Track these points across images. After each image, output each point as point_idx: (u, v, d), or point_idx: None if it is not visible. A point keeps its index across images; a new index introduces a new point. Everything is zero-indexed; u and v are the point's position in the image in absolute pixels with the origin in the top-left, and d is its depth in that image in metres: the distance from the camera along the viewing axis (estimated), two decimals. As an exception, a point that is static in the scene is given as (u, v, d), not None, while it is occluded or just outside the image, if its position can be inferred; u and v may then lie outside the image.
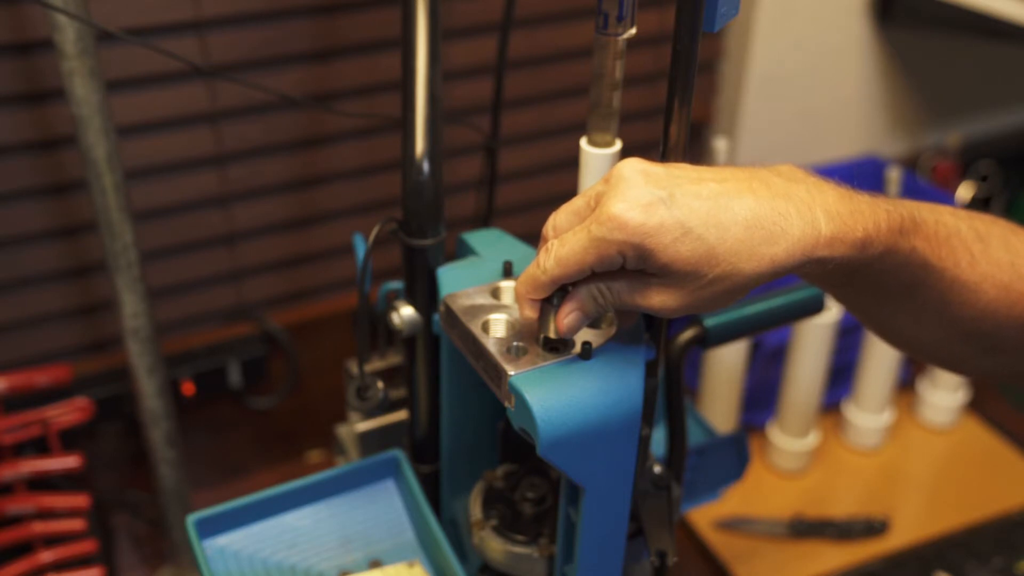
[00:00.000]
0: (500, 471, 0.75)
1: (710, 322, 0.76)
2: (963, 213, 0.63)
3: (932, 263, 0.58)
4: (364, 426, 0.82)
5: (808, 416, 1.18)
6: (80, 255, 1.03)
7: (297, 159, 1.10)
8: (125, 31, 0.91)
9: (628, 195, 0.51)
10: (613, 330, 0.61)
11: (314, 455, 1.23)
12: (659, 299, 0.54)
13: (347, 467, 0.76)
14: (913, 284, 0.59)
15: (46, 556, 0.92)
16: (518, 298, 0.57)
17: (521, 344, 0.59)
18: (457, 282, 0.68)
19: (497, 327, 0.62)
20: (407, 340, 0.74)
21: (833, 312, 1.10)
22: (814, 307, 0.80)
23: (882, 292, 0.61)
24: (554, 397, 0.56)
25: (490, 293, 0.65)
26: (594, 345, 0.59)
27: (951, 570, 1.09)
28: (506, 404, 0.58)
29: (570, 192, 0.61)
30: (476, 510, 0.73)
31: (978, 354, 0.66)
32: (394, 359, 0.85)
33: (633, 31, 0.62)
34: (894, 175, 1.31)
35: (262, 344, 1.13)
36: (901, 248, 0.56)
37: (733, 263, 0.51)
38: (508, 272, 0.68)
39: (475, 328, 0.62)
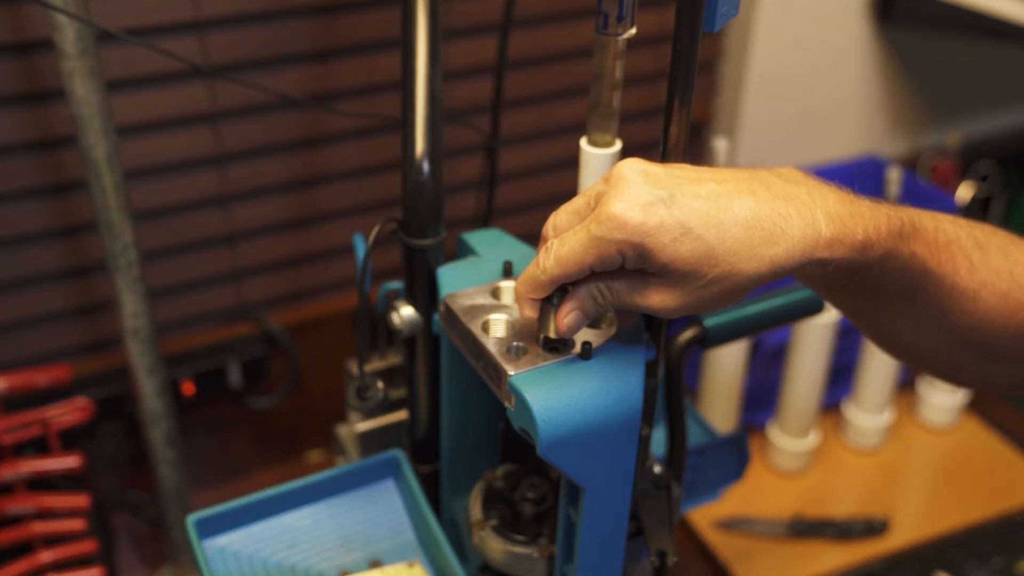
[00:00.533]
0: (500, 471, 0.75)
1: (710, 322, 0.76)
2: (963, 222, 0.63)
3: (931, 269, 0.58)
4: (364, 426, 0.82)
5: (808, 416, 1.18)
6: (80, 255, 1.03)
7: (297, 159, 1.10)
8: (125, 31, 0.91)
9: (628, 195, 0.51)
10: (613, 330, 0.61)
11: (314, 455, 1.23)
12: (659, 299, 0.54)
13: (347, 467, 0.76)
14: (912, 289, 0.59)
15: (46, 556, 0.92)
16: (518, 298, 0.57)
17: (521, 344, 0.59)
18: (457, 282, 0.68)
19: (497, 327, 0.62)
20: (407, 340, 0.74)
21: (833, 312, 1.10)
22: (814, 307, 0.80)
23: (881, 297, 0.61)
24: (554, 397, 0.56)
25: (490, 293, 0.65)
26: (594, 345, 0.59)
27: (951, 570, 1.09)
28: (506, 404, 0.58)
29: (570, 192, 0.61)
30: (476, 510, 0.73)
31: (977, 363, 0.65)
32: (394, 359, 0.85)
33: (633, 31, 0.62)
34: (894, 175, 1.31)
35: (262, 344, 1.13)
36: (901, 252, 0.56)
37: (733, 263, 0.51)
38: (508, 272, 0.68)
39: (475, 328, 0.62)
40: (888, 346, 0.68)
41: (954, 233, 0.60)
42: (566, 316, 0.56)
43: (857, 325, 0.67)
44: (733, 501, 1.15)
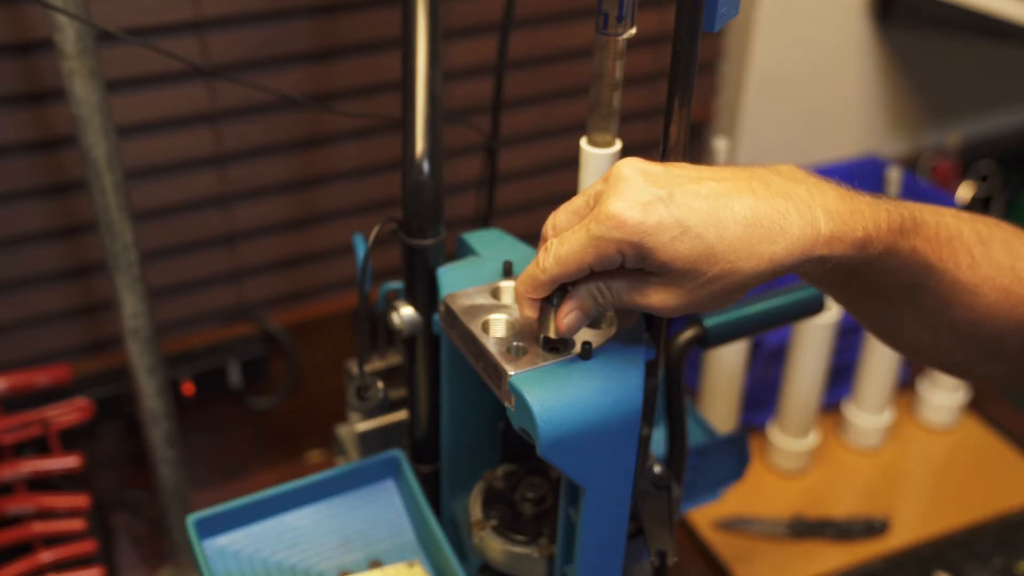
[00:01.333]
0: (500, 471, 0.75)
1: (710, 322, 0.76)
2: (966, 215, 0.62)
3: (932, 264, 0.58)
4: (364, 426, 0.82)
5: (808, 416, 1.18)
6: (80, 255, 1.03)
7: (297, 159, 1.10)
8: (125, 31, 0.91)
9: (627, 194, 0.51)
10: (613, 330, 0.61)
11: (314, 455, 1.23)
12: (659, 298, 0.54)
13: (347, 467, 0.76)
14: (913, 285, 0.59)
15: (46, 556, 0.92)
16: (518, 297, 0.57)
17: (521, 344, 0.59)
18: (457, 282, 0.68)
19: (497, 327, 0.62)
20: (407, 340, 0.74)
21: (833, 312, 1.10)
22: (814, 307, 0.80)
23: (882, 293, 0.61)
24: (554, 397, 0.56)
25: (490, 293, 0.65)
26: (594, 345, 0.59)
27: (951, 570, 1.09)
28: (506, 404, 0.58)
29: (570, 192, 0.61)
30: (476, 510, 0.73)
31: (979, 359, 0.65)
32: (394, 359, 0.85)
33: (633, 31, 0.62)
34: (894, 175, 1.31)
35: (262, 344, 1.13)
36: (901, 248, 0.56)
37: (732, 261, 0.51)
38: (508, 272, 0.68)
39: (475, 328, 0.62)
40: (890, 341, 0.68)
41: (956, 227, 0.60)
42: (566, 316, 0.56)
43: (859, 320, 0.67)
44: (733, 501, 1.15)
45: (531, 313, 0.57)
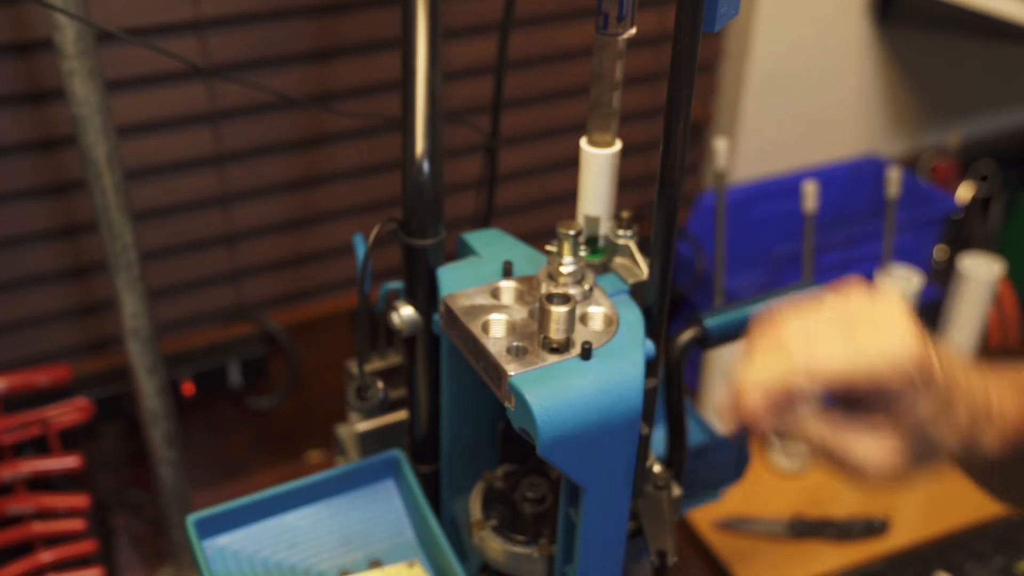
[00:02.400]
0: (500, 471, 0.75)
1: (710, 322, 0.76)
2: None
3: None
4: (364, 426, 0.82)
5: (808, 416, 1.18)
6: (80, 255, 1.03)
7: (297, 159, 1.10)
8: (125, 31, 0.91)
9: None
10: (613, 330, 0.61)
11: (314, 455, 1.23)
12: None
13: (347, 467, 0.76)
14: None
15: (46, 556, 0.92)
16: (741, 393, 0.55)
17: (521, 344, 0.60)
18: (457, 282, 0.68)
19: (497, 327, 0.62)
20: (407, 340, 0.74)
21: (833, 312, 1.09)
22: (814, 307, 0.80)
23: None
24: (554, 397, 0.56)
25: (490, 293, 0.65)
26: (594, 345, 0.59)
27: (951, 570, 1.09)
28: (506, 404, 0.58)
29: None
30: (476, 510, 0.73)
31: None
32: (394, 359, 0.85)
33: (633, 31, 0.62)
34: (894, 175, 1.31)
35: (262, 344, 1.13)
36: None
37: None
38: (508, 272, 0.68)
39: (475, 328, 0.62)
40: None
41: None
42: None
43: None
44: (733, 501, 1.15)
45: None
